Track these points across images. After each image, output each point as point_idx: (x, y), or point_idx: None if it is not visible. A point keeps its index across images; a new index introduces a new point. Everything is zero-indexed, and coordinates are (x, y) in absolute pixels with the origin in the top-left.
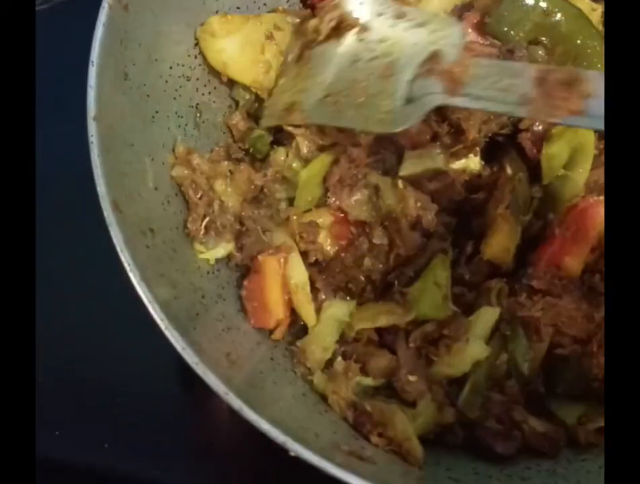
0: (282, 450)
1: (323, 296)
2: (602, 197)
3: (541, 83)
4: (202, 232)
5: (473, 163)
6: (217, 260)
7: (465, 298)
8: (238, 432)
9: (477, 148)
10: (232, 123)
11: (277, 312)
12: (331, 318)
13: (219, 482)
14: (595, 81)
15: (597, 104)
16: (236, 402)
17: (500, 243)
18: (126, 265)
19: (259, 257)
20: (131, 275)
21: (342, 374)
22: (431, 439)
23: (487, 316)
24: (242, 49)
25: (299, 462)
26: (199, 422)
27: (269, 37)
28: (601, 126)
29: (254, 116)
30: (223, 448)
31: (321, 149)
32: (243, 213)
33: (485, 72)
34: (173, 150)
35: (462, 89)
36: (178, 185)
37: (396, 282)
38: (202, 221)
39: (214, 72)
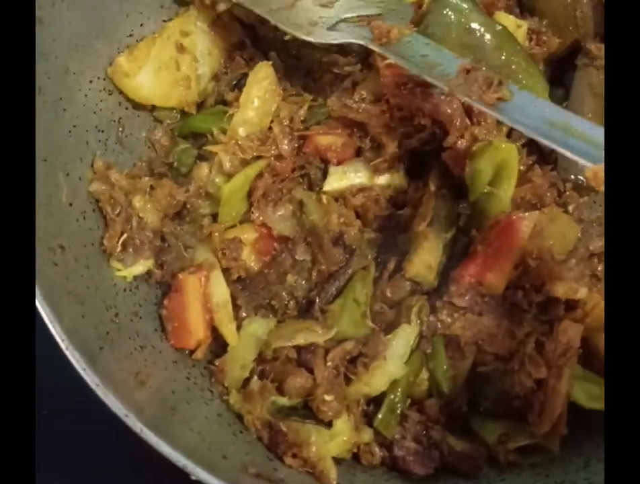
0: None
1: (244, 314)
2: (526, 214)
3: (466, 72)
4: (119, 249)
5: (398, 178)
6: (136, 277)
7: (385, 316)
8: None
9: (401, 164)
10: (155, 138)
11: (198, 332)
12: (250, 336)
13: None
14: (516, 94)
15: (509, 108)
16: (137, 425)
17: (422, 260)
18: None
19: (180, 275)
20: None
21: (258, 394)
22: (348, 459)
23: (405, 334)
24: (157, 77)
25: None
26: None
27: (180, 49)
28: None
29: (179, 131)
30: None
31: (244, 164)
32: (164, 229)
33: (418, 46)
34: (92, 165)
35: (390, 46)
36: (96, 201)
37: (317, 299)
38: (119, 238)
39: None
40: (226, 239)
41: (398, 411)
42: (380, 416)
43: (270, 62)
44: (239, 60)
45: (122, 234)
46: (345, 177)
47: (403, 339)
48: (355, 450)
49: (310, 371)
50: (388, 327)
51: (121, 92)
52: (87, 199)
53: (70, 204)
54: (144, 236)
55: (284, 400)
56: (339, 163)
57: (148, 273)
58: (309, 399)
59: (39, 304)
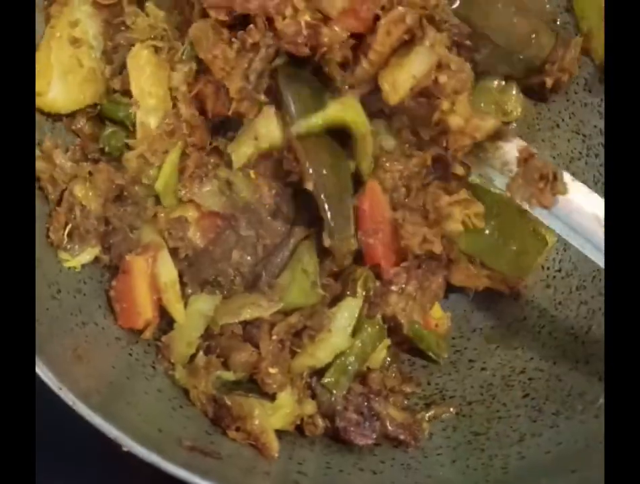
0: None
1: (190, 291)
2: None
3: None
4: (65, 240)
5: None
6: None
7: (331, 289)
8: None
9: None
10: (77, 127)
11: (146, 312)
12: (196, 313)
13: None
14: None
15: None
16: (69, 397)
17: None
18: None
19: (127, 257)
20: None
21: (203, 369)
22: (291, 432)
23: (350, 307)
24: (67, 83)
25: None
26: None
27: (74, 42)
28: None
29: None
30: None
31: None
32: (107, 213)
33: None
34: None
35: None
36: (37, 179)
37: (263, 273)
38: (65, 229)
39: None
40: (171, 219)
41: (351, 372)
42: (329, 376)
43: (145, 44)
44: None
45: (66, 225)
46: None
47: (348, 312)
48: (298, 423)
49: (256, 346)
50: (335, 300)
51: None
52: None
53: None
54: (89, 225)
55: (228, 375)
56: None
57: (96, 259)
58: (254, 372)
59: None
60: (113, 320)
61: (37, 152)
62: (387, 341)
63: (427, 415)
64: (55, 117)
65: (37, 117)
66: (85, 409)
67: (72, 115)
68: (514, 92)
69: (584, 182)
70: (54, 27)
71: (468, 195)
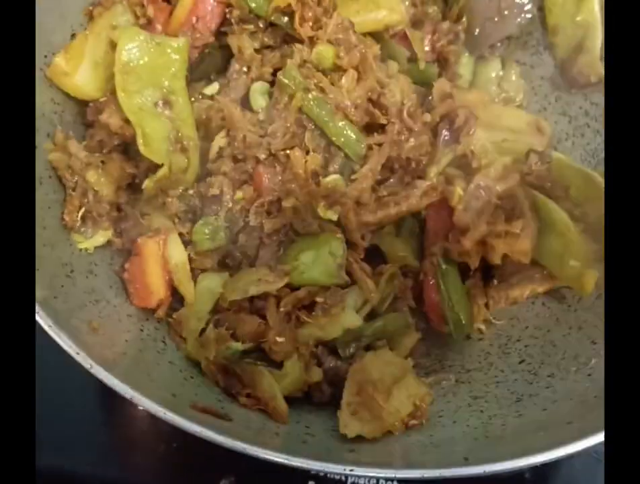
0: None
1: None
2: None
3: None
4: (79, 223)
5: None
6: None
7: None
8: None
9: None
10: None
11: (158, 292)
12: (205, 291)
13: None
14: None
15: None
16: (87, 361)
17: None
18: None
19: (139, 239)
20: None
21: (214, 341)
22: (300, 397)
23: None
24: (95, 72)
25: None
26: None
27: (111, 44)
28: None
29: None
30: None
31: None
32: (119, 200)
33: None
34: (48, 135)
35: None
36: (54, 169)
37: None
38: (78, 212)
39: None
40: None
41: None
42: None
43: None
44: None
45: (80, 208)
46: None
47: (359, 295)
48: (306, 390)
49: (263, 317)
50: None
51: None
52: (44, 166)
53: None
54: (102, 208)
55: (237, 345)
56: None
57: (109, 242)
58: (262, 342)
59: None
60: (124, 299)
61: (50, 145)
62: (417, 335)
63: (428, 381)
64: (63, 108)
65: (47, 108)
66: (102, 371)
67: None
68: (514, 78)
69: None
70: (94, 24)
71: None
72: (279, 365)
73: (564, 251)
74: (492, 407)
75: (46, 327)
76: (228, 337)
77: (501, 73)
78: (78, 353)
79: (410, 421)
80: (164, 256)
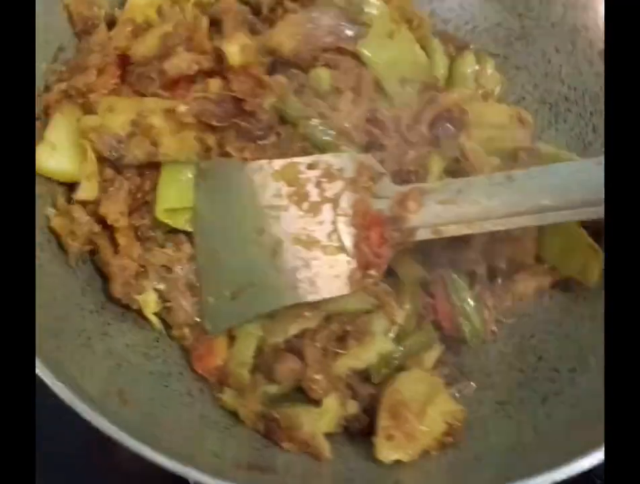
0: None
1: None
2: None
3: None
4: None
5: None
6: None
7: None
8: None
9: None
10: None
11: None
12: (246, 334)
13: None
14: None
15: None
16: (131, 442)
17: None
18: None
19: None
20: None
21: (250, 386)
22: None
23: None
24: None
25: None
26: None
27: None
28: None
29: None
30: None
31: None
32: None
33: None
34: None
35: None
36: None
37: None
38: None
39: None
40: None
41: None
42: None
43: None
44: None
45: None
46: None
47: (385, 318)
48: (343, 423)
49: (298, 354)
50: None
51: None
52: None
53: None
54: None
55: (274, 388)
56: None
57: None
58: (299, 381)
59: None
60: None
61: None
62: (440, 348)
63: (451, 391)
64: None
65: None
66: (148, 450)
67: None
68: (490, 71)
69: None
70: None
71: None
72: (317, 402)
73: (565, 243)
74: (519, 411)
75: (82, 413)
76: (263, 380)
77: (476, 68)
78: (118, 433)
79: (445, 438)
80: None
